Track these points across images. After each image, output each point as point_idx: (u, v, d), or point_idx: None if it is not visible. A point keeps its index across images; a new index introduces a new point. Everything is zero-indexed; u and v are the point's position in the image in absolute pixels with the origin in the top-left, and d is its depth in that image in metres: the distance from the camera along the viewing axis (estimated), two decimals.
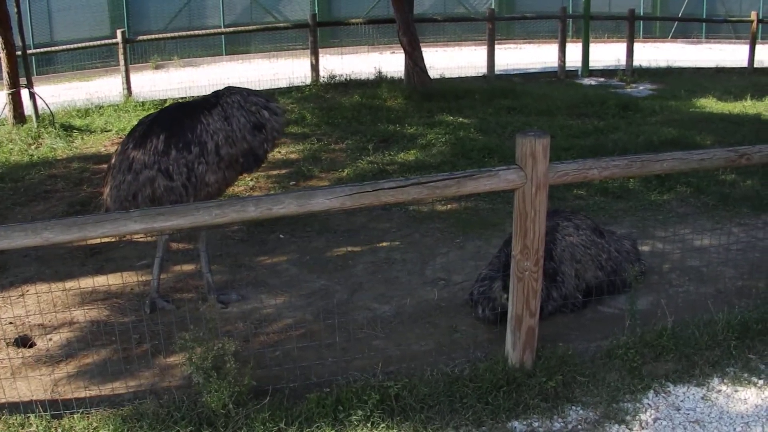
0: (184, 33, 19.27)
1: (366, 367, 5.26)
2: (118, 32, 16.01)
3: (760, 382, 5.12)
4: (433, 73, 16.48)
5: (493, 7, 23.47)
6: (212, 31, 20.62)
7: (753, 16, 20.06)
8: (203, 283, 6.57)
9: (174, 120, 6.18)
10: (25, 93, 13.19)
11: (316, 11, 22.78)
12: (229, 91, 6.34)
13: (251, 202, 4.58)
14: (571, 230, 6.28)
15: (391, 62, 18.83)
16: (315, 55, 16.62)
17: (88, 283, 6.77)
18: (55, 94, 16.88)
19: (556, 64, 18.67)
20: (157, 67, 21.87)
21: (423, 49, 15.57)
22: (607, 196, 8.86)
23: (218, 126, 6.09)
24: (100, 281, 6.82)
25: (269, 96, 6.57)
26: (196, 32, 19.52)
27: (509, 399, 4.88)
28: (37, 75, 20.73)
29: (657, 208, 8.52)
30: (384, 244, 7.63)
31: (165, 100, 14.86)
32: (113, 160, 6.30)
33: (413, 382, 4.92)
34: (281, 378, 5.15)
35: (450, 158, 10.25)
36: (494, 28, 17.69)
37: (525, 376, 5.03)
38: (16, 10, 13.06)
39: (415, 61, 15.11)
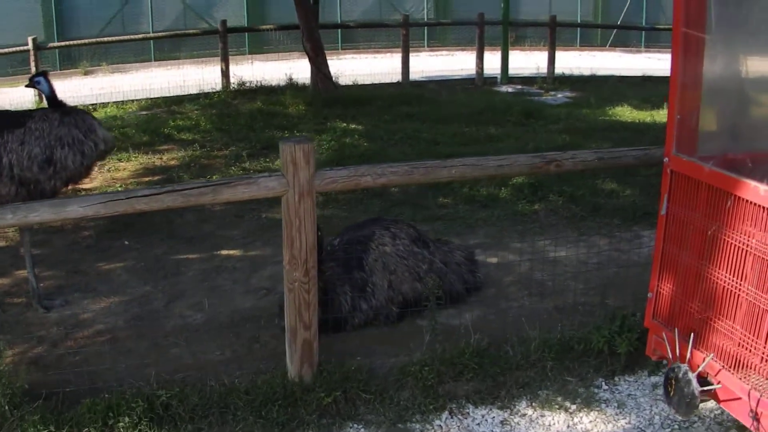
0: (92, 40, 19.60)
1: (159, 374, 5.14)
2: (29, 39, 15.83)
3: (573, 407, 4.92)
4: (349, 79, 16.43)
5: (425, 12, 23.43)
6: (125, 37, 20.27)
7: None
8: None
9: None
10: None
11: (245, 17, 22.69)
12: (42, 115, 6.25)
13: (9, 210, 4.59)
14: (386, 240, 6.12)
15: None
16: (225, 61, 16.57)
17: None
18: None
19: (486, 71, 18.51)
20: (86, 73, 21.68)
21: (354, 56, 15.71)
22: (474, 204, 8.69)
23: (14, 147, 6.04)
24: None
25: (93, 131, 6.35)
26: (105, 39, 19.87)
27: (284, 413, 4.76)
28: None
29: (522, 218, 8.31)
30: (223, 252, 7.48)
31: (75, 106, 14.65)
32: None
33: (185, 392, 4.81)
34: (69, 382, 5.07)
35: (323, 165, 9.94)
36: (408, 35, 17.62)
37: (303, 391, 4.89)
38: None
39: (318, 67, 15.08)
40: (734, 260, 3.96)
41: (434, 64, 20.51)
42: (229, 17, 22.37)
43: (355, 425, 4.75)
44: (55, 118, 6.20)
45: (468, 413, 4.87)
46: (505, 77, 18.37)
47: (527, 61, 19.79)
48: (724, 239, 4.01)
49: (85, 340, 5.85)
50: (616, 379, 5.25)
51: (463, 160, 5.20)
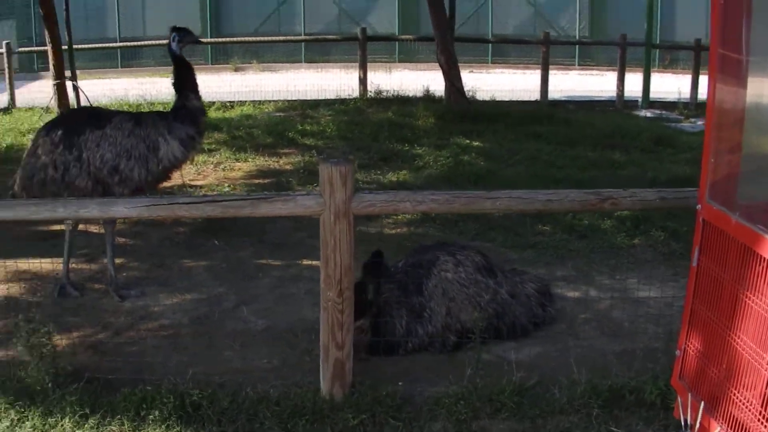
0: (220, 39, 20.76)
1: (203, 373, 5.31)
2: None
3: None
4: (488, 94, 16.30)
5: (577, 30, 22.99)
6: (255, 39, 21.23)
7: None
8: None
9: (75, 120, 6.69)
10: (69, 85, 13.82)
11: (397, 26, 22.95)
12: (119, 122, 6.49)
13: (61, 204, 4.96)
14: (449, 266, 6.02)
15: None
16: (363, 68, 16.78)
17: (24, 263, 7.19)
18: (130, 87, 17.32)
19: (631, 94, 18.05)
20: (236, 70, 22.36)
21: (503, 70, 15.54)
22: (572, 234, 8.39)
23: (92, 146, 6.39)
24: (36, 263, 7.07)
25: (157, 149, 6.50)
26: (237, 39, 21.01)
27: (310, 429, 4.75)
28: (121, 68, 21.68)
29: (617, 251, 7.95)
30: (306, 261, 7.53)
31: (213, 103, 15.13)
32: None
33: (217, 394, 4.92)
34: (117, 369, 5.36)
35: (434, 181, 10.06)
36: (548, 52, 17.35)
37: (331, 409, 4.88)
38: (64, 7, 13.74)
39: (452, 81, 15.00)
40: (758, 328, 3.60)
41: (582, 83, 20.07)
42: (383, 24, 22.68)
43: None
44: (128, 128, 6.46)
45: None
46: (646, 101, 17.75)
47: (678, 85, 19.07)
48: (749, 303, 3.66)
49: (146, 332, 6.12)
50: None
51: (509, 192, 5.06)
